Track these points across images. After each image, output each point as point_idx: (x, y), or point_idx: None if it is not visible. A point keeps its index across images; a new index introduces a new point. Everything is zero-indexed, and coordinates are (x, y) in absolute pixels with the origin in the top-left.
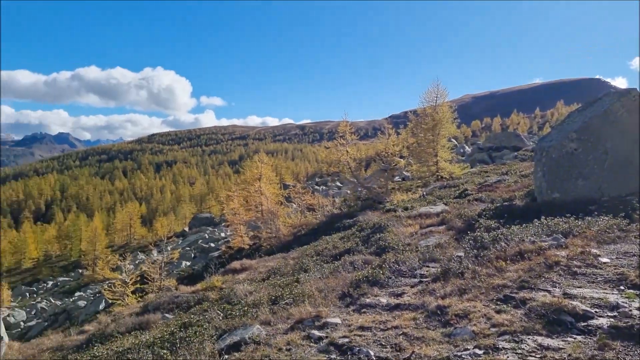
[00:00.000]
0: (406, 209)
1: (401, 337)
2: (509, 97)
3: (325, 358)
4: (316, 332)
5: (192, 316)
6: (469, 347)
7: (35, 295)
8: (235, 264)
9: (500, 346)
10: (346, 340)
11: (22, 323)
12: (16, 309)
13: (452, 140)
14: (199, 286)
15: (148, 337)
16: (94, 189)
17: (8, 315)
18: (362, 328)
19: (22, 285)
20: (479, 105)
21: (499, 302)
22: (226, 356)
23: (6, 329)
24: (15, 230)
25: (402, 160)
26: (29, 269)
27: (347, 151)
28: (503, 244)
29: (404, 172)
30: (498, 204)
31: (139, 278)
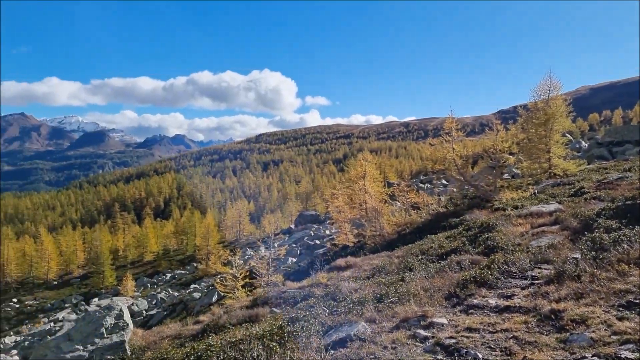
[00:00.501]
0: (516, 207)
1: (511, 340)
2: (631, 87)
3: (432, 358)
4: (422, 332)
5: (299, 311)
6: (586, 355)
7: (155, 287)
8: (340, 262)
9: (622, 356)
10: (453, 341)
11: (144, 312)
12: (139, 298)
13: (567, 135)
14: (304, 282)
15: (258, 330)
16: (207, 187)
17: (132, 304)
18: (469, 329)
19: (144, 277)
20: (597, 97)
21: (620, 309)
22: (332, 351)
23: (130, 317)
24: (138, 226)
25: (511, 157)
26: (150, 261)
27: (452, 148)
28: (626, 246)
29: (514, 170)
30: (619, 203)
31: (248, 273)
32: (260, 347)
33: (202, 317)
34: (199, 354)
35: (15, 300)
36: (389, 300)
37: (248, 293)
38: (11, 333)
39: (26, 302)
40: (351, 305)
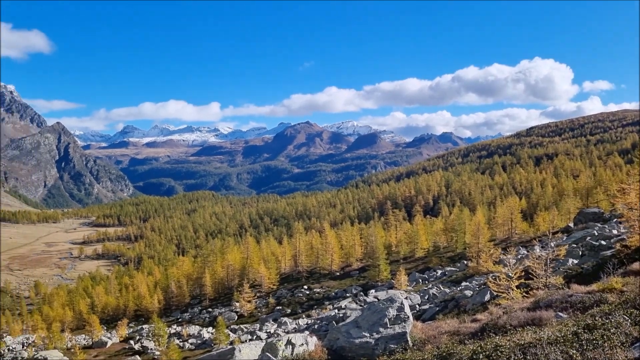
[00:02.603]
0: None
1: None
2: None
3: None
4: None
5: (595, 318)
6: None
7: (426, 282)
8: (636, 266)
9: None
10: None
11: (417, 306)
12: (412, 292)
13: None
14: (594, 286)
15: (549, 334)
16: (475, 184)
17: (405, 298)
18: None
19: (415, 272)
20: None
21: None
22: None
23: None
24: (409, 223)
25: None
26: (421, 257)
27: None
28: None
29: None
30: None
31: (522, 273)
32: (558, 353)
33: (479, 316)
34: (487, 353)
35: (305, 287)
36: None
37: (524, 294)
38: (303, 316)
39: (314, 290)
40: None
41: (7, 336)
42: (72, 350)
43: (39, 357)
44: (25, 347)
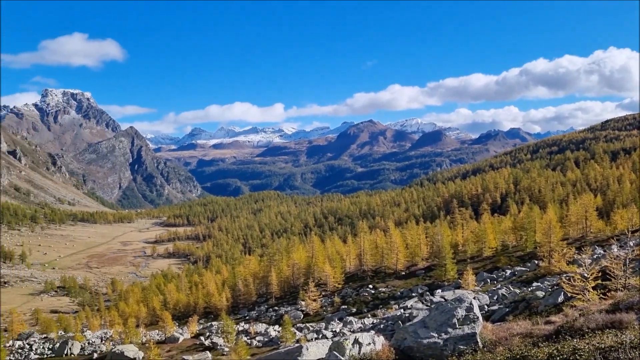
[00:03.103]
0: None
1: None
2: None
3: None
4: None
5: None
6: None
7: (495, 282)
8: None
9: None
10: None
11: (485, 306)
12: (480, 292)
13: None
14: None
15: (632, 338)
16: (546, 181)
17: (474, 298)
18: None
19: (483, 272)
20: None
21: None
22: None
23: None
24: (476, 221)
25: None
26: (489, 257)
27: None
28: None
29: None
30: None
31: (599, 274)
32: None
33: (553, 318)
34: (565, 356)
35: (371, 286)
36: None
37: (601, 296)
38: (369, 315)
39: (380, 289)
40: None
41: (87, 330)
42: (147, 344)
43: (116, 351)
44: (103, 341)
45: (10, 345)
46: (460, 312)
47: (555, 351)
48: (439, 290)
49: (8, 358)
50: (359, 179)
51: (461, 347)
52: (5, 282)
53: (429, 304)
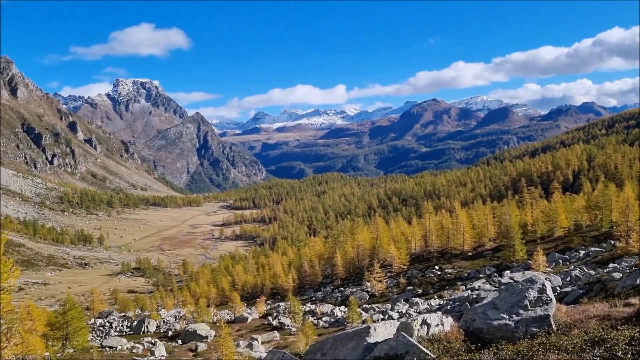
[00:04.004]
0: None
1: None
2: None
3: None
4: None
5: None
6: None
7: (567, 263)
8: None
9: None
10: None
11: (557, 288)
12: (551, 274)
13: None
14: None
15: None
16: (623, 157)
17: (546, 279)
18: None
19: (554, 253)
20: None
21: None
22: None
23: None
24: (546, 200)
25: None
26: (560, 237)
27: None
28: None
29: None
30: None
31: None
32: None
33: (632, 300)
34: None
35: (437, 267)
36: None
37: None
38: (435, 296)
39: (446, 270)
40: None
41: (162, 309)
42: (217, 324)
43: (190, 330)
44: (177, 320)
45: (92, 323)
46: (532, 294)
47: (637, 334)
48: (508, 272)
49: (91, 334)
50: (423, 159)
51: (534, 329)
52: (85, 264)
53: (497, 285)
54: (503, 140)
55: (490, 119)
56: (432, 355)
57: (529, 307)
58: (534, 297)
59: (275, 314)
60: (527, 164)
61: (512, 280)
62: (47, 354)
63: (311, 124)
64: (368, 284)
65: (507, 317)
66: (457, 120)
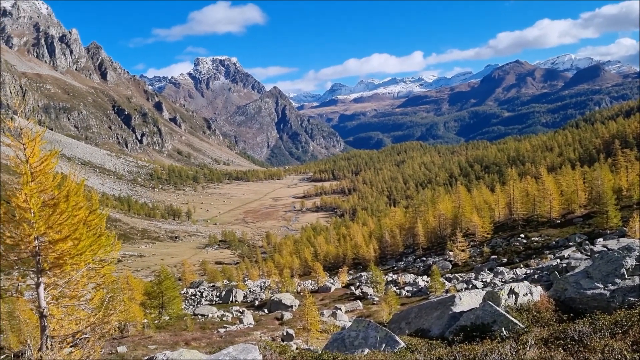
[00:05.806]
0: None
1: None
2: None
3: None
4: None
5: None
6: None
7: None
8: None
9: None
10: None
11: None
12: None
13: None
14: None
15: None
16: None
17: None
18: None
19: None
20: None
21: None
22: None
23: None
24: None
25: None
26: None
27: None
28: None
29: None
30: None
31: None
32: None
33: None
34: None
35: (522, 236)
36: None
37: None
38: (521, 265)
39: (532, 239)
40: None
41: (248, 280)
42: (302, 293)
43: (275, 299)
44: (262, 290)
45: (184, 292)
46: (630, 262)
47: None
48: (601, 239)
49: (184, 303)
50: (505, 125)
51: (631, 299)
52: (176, 237)
53: (589, 254)
54: (594, 100)
55: (579, 79)
56: (521, 325)
57: (626, 276)
58: (632, 265)
59: (357, 283)
60: (621, 125)
61: (605, 249)
62: (145, 320)
63: (388, 93)
64: (451, 253)
65: (602, 286)
66: (542, 82)
